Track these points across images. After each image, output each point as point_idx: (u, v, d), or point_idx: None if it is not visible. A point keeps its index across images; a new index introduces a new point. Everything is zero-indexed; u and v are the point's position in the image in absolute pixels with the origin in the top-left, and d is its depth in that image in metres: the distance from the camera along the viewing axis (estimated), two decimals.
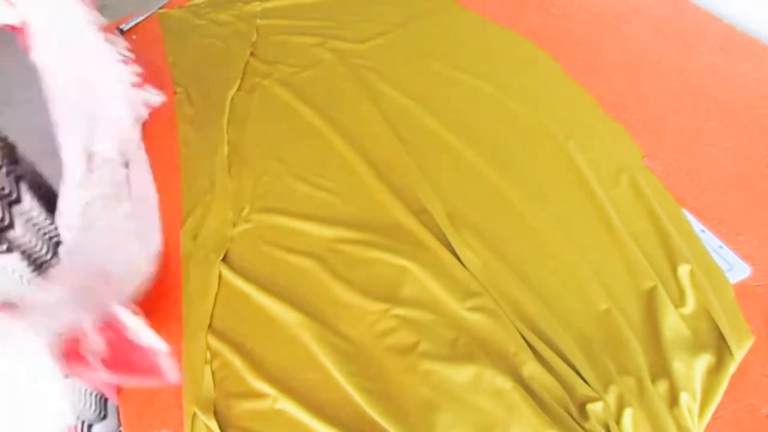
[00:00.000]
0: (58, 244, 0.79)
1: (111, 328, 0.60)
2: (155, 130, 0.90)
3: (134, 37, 1.12)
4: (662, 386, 0.58)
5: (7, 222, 0.72)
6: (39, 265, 0.76)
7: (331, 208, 0.77)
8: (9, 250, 0.71)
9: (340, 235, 0.73)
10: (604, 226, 0.72)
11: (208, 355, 0.64)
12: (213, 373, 0.62)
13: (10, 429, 0.55)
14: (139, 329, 0.59)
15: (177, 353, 0.62)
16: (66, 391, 0.57)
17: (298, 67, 0.98)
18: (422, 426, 0.57)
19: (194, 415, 0.59)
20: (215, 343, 0.65)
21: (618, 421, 0.56)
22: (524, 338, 0.62)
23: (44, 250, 0.78)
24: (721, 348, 0.61)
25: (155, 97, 0.82)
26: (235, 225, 0.76)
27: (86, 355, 0.60)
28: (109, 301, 0.59)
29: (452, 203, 0.76)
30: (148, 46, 1.09)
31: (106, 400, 0.84)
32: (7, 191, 0.73)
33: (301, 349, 0.63)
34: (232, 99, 0.93)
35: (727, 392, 0.58)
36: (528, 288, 0.67)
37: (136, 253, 0.68)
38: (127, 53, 0.84)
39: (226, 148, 0.85)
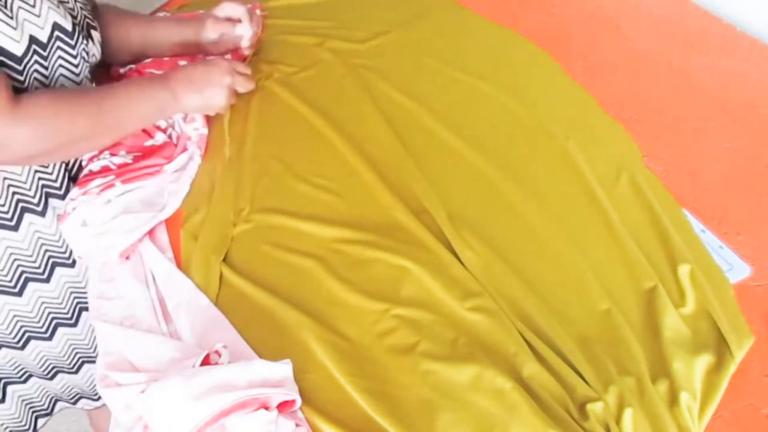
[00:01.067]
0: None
1: None
2: None
3: None
4: (662, 386, 0.58)
5: None
6: None
7: (331, 209, 0.77)
8: None
9: (340, 235, 0.73)
10: (604, 225, 0.72)
11: None
12: None
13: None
14: None
15: None
16: None
17: (298, 67, 0.98)
18: (422, 426, 0.57)
19: None
20: None
21: (618, 421, 0.56)
22: (524, 338, 0.62)
23: None
24: (721, 348, 0.61)
25: None
26: (235, 225, 0.76)
27: None
28: None
29: (452, 203, 0.76)
30: None
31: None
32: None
33: (301, 349, 0.63)
34: None
35: (727, 392, 0.58)
36: (528, 288, 0.67)
37: None
38: None
39: (226, 149, 0.85)
